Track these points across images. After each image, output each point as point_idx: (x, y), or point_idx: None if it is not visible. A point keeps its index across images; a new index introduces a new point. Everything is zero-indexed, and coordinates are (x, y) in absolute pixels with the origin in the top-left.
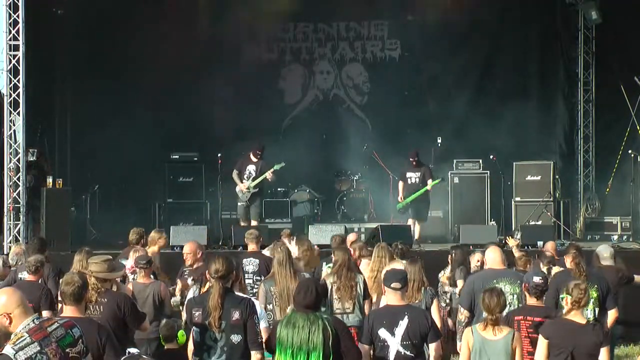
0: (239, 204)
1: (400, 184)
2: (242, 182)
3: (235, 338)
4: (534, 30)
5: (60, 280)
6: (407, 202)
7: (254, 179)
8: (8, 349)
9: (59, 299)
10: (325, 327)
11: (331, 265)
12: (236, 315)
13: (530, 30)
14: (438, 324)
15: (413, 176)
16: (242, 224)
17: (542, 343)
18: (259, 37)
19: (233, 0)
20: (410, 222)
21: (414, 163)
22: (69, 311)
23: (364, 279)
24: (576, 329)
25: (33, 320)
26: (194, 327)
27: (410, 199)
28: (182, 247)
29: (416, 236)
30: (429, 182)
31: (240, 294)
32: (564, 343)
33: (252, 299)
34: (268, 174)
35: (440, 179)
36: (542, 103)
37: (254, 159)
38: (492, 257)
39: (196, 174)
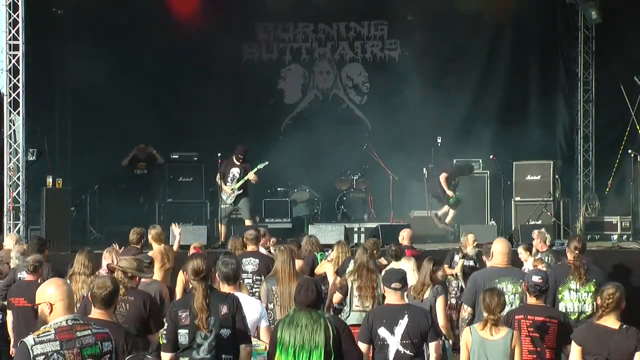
0: (221, 206)
1: (443, 177)
2: (225, 185)
3: (225, 332)
4: (534, 30)
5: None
6: (458, 198)
7: (237, 181)
8: (29, 339)
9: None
10: (327, 326)
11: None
12: (224, 309)
13: (530, 30)
14: (441, 320)
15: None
16: (220, 226)
17: (575, 349)
18: (259, 37)
19: (233, 0)
20: (444, 209)
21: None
22: (96, 314)
23: None
24: (610, 334)
25: (67, 320)
26: (180, 329)
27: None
28: (182, 246)
29: (448, 219)
30: None
31: (223, 290)
32: (599, 349)
33: (241, 295)
34: (251, 174)
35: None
36: (542, 103)
37: (237, 162)
38: (497, 251)
39: (196, 174)
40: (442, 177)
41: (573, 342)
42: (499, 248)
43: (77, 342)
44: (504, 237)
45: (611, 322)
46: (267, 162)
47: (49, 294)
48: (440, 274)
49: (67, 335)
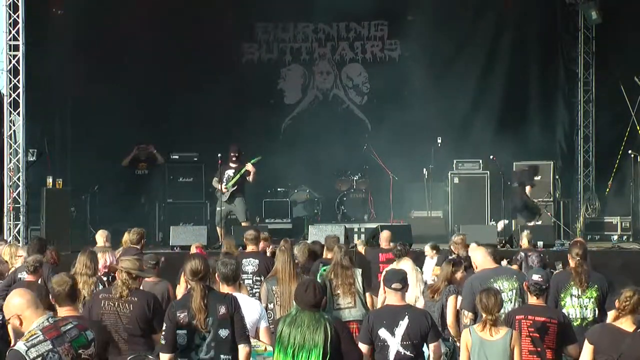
0: (217, 209)
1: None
2: (220, 184)
3: (223, 333)
4: (534, 30)
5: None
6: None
7: (231, 179)
8: (20, 345)
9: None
10: (327, 327)
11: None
12: (223, 310)
13: (530, 30)
14: (450, 320)
15: None
16: (218, 229)
17: (587, 348)
18: (259, 37)
19: (233, 0)
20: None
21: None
22: (65, 312)
23: (362, 273)
24: (623, 336)
25: (47, 319)
26: (179, 330)
27: None
28: (182, 247)
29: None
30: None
31: (223, 291)
32: (610, 350)
33: (241, 295)
34: (248, 165)
35: None
36: (542, 103)
37: (233, 165)
38: (480, 258)
39: (196, 174)
40: (528, 189)
41: (586, 341)
42: (481, 254)
43: (66, 336)
44: (476, 244)
45: (627, 324)
46: (260, 157)
47: (15, 306)
48: (459, 275)
49: (54, 332)
